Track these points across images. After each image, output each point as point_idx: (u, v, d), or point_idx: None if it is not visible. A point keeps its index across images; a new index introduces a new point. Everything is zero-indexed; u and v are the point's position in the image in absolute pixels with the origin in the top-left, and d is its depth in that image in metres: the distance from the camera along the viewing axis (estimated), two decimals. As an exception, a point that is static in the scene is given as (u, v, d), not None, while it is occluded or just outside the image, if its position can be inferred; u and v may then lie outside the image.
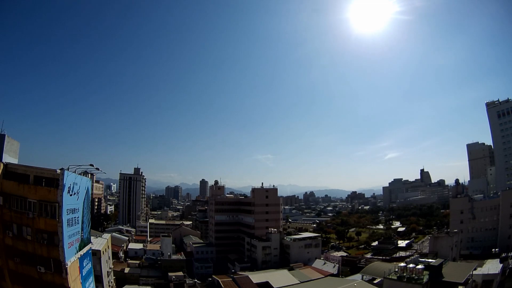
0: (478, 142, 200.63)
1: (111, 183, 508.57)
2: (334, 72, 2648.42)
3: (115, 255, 75.43)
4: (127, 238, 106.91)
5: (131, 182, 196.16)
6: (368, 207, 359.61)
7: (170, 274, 68.55)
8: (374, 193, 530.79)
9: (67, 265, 29.64)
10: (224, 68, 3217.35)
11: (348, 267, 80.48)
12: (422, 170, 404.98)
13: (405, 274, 45.53)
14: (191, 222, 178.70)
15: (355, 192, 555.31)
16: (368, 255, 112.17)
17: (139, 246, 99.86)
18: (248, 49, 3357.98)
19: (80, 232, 34.68)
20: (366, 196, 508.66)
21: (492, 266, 58.19)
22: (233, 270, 79.41)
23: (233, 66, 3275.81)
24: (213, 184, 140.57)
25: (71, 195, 31.64)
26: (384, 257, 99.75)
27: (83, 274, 34.86)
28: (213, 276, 69.76)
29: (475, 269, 53.03)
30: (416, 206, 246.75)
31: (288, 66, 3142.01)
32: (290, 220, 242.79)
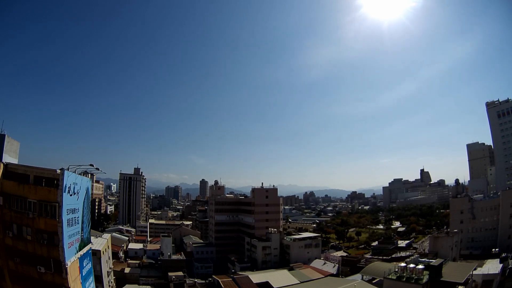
0: (478, 142, 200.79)
1: (111, 183, 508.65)
2: (341, 64, 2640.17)
3: (115, 255, 75.41)
4: (127, 238, 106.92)
5: (131, 182, 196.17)
6: (368, 207, 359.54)
7: (170, 274, 68.49)
8: (374, 193, 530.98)
9: (67, 265, 29.63)
10: (226, 65, 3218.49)
11: (348, 267, 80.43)
12: (422, 170, 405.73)
13: (405, 274, 45.55)
14: (191, 222, 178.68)
15: (355, 192, 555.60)
16: (368, 255, 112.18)
17: (139, 246, 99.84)
18: (251, 43, 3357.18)
19: (80, 232, 34.67)
20: (366, 196, 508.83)
21: (492, 266, 58.18)
22: (233, 270, 79.39)
23: (235, 63, 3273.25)
24: (213, 184, 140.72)
25: (71, 195, 31.63)
26: (384, 257, 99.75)
27: (83, 274, 34.85)
28: (213, 276, 69.75)
29: (475, 269, 53.01)
30: (416, 206, 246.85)
31: (292, 62, 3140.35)
32: (290, 220, 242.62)
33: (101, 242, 54.27)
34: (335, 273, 71.66)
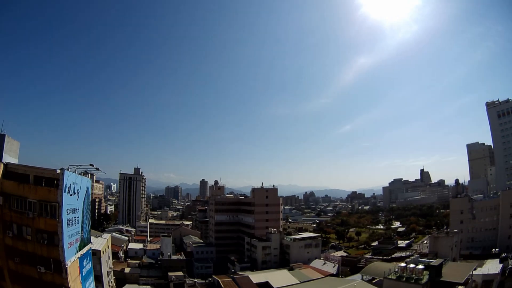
0: (478, 142, 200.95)
1: (111, 183, 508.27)
2: (342, 65, 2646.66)
3: (115, 255, 75.49)
4: (127, 238, 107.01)
5: (131, 182, 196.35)
6: (368, 207, 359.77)
7: (170, 274, 68.60)
8: (374, 193, 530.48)
9: (67, 265, 29.63)
10: (226, 66, 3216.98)
11: (348, 267, 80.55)
12: (422, 170, 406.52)
13: (405, 274, 45.58)
14: (191, 222, 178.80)
15: (355, 192, 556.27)
16: (368, 255, 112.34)
17: (139, 246, 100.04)
18: (252, 44, 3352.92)
19: (80, 232, 34.69)
20: (366, 196, 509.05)
21: (492, 266, 58.18)
22: (233, 270, 79.41)
23: (235, 63, 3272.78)
24: (213, 184, 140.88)
25: (71, 195, 31.64)
26: (384, 257, 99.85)
27: (83, 274, 34.86)
28: (213, 276, 69.79)
29: (475, 269, 53.01)
30: (416, 206, 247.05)
31: (290, 62, 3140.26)
32: (290, 220, 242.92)
33: (101, 242, 54.28)
34: (335, 273, 71.68)
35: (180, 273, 70.16)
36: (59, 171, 30.36)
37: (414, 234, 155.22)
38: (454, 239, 69.83)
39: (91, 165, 38.19)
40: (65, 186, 30.13)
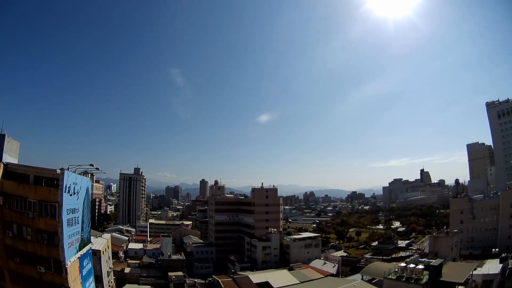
0: (478, 142, 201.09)
1: (111, 183, 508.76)
2: (343, 64, 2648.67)
3: (115, 255, 75.51)
4: (127, 238, 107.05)
5: (131, 182, 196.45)
6: (368, 207, 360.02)
7: (170, 274, 68.63)
8: (374, 193, 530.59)
9: (67, 265, 29.64)
10: (226, 64, 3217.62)
11: (348, 267, 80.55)
12: (422, 170, 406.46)
13: (405, 274, 45.59)
14: (191, 222, 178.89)
15: (355, 192, 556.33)
16: (368, 255, 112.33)
17: (139, 246, 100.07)
18: (248, 47, 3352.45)
19: (80, 232, 34.69)
20: (366, 196, 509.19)
21: (492, 266, 58.19)
22: (233, 270, 79.44)
23: (235, 60, 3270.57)
24: (213, 184, 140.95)
25: (71, 195, 31.64)
26: (384, 257, 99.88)
27: (83, 274, 34.87)
28: (213, 276, 69.81)
29: (475, 269, 53.01)
30: (416, 206, 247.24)
31: (289, 63, 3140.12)
32: (290, 220, 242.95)
33: (101, 242, 54.30)
34: (335, 273, 71.69)
35: (180, 273, 70.18)
36: (59, 171, 30.36)
37: (414, 234, 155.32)
38: (454, 239, 69.85)
39: (91, 165, 38.21)
40: (65, 186, 30.14)
